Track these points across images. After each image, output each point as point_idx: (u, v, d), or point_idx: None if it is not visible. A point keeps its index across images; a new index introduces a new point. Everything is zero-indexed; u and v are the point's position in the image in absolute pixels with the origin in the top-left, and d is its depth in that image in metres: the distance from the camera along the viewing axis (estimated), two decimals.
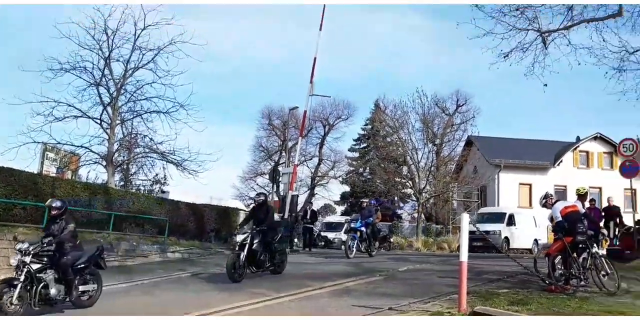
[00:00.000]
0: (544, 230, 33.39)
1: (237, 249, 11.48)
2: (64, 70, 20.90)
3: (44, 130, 20.42)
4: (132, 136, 23.33)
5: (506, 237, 25.89)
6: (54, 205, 9.09)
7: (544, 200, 10.70)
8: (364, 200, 20.27)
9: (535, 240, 29.10)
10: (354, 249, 17.34)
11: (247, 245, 11.22)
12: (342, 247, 20.05)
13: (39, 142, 20.54)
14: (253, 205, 12.26)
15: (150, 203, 19.50)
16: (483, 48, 14.70)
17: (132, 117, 22.74)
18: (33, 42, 57.07)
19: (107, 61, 21.84)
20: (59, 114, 20.83)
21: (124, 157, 25.34)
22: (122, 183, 29.14)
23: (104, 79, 21.93)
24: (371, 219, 18.34)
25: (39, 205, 15.14)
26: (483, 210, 31.69)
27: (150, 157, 23.62)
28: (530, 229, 28.70)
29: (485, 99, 78.10)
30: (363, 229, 17.86)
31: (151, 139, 22.68)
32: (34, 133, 20.19)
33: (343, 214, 46.00)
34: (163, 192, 28.39)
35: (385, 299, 8.95)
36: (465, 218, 8.21)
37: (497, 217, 27.30)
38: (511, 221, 27.36)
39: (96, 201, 17.24)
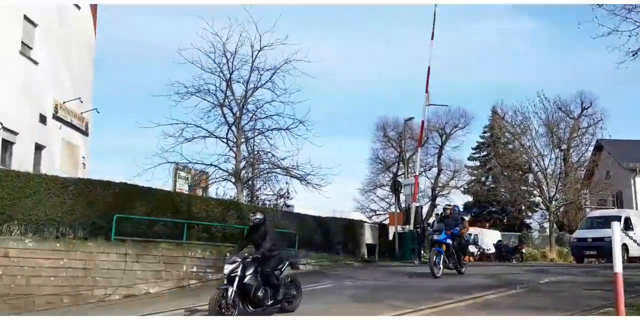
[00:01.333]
0: None
1: (224, 282, 9.06)
2: (189, 93, 22.19)
3: (175, 150, 21.76)
4: (256, 153, 24.18)
5: (624, 244, 23.03)
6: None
7: None
8: (448, 207, 16.84)
9: None
10: (441, 266, 14.45)
11: (237, 278, 8.86)
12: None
13: (171, 162, 21.82)
14: (249, 226, 10.41)
15: (278, 217, 20.01)
16: (609, 47, 13.93)
17: (254, 135, 23.67)
18: (160, 70, 61.33)
19: (229, 83, 22.86)
20: (188, 134, 22.16)
21: (248, 173, 26.30)
22: (248, 198, 30.19)
23: (226, 100, 22.99)
24: (457, 229, 15.21)
25: (179, 222, 16.12)
26: (593, 213, 29.07)
27: (274, 172, 24.40)
28: None
29: (614, 99, 73.61)
30: (449, 241, 14.85)
31: (273, 155, 23.43)
32: (167, 154, 21.54)
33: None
34: (288, 206, 29.06)
35: (533, 313, 8.54)
36: (616, 226, 7.64)
37: (611, 222, 24.55)
38: (628, 225, 24.71)
39: (229, 216, 17.95)
